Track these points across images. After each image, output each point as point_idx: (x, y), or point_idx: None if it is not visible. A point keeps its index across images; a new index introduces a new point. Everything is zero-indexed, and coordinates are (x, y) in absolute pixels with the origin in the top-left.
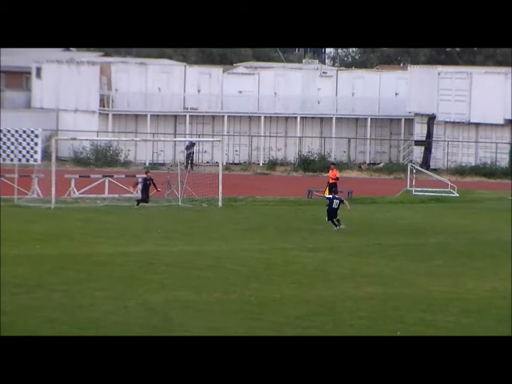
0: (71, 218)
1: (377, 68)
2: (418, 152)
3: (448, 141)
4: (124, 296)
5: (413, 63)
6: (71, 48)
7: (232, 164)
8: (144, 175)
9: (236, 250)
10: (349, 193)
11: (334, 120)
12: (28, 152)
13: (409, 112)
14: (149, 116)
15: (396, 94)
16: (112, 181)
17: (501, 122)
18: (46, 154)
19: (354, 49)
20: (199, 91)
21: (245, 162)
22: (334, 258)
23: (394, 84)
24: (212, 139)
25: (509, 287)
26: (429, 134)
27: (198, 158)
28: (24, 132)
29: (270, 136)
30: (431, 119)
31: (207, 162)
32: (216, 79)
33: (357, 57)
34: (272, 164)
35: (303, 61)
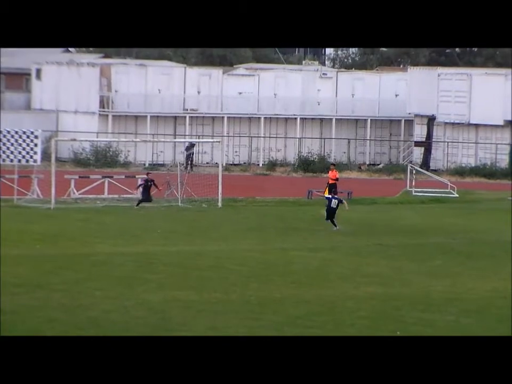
0: (71, 219)
1: (377, 69)
2: (418, 153)
3: (448, 142)
4: (123, 296)
5: (412, 65)
6: (71, 50)
7: (232, 164)
8: (145, 176)
9: (236, 250)
10: (348, 193)
11: (334, 121)
12: (27, 153)
13: (409, 113)
14: (148, 117)
15: (396, 95)
16: (112, 181)
17: (501, 123)
18: (45, 155)
19: (354, 50)
20: (199, 92)
21: (244, 163)
22: (334, 259)
23: (394, 85)
24: (212, 140)
25: (509, 287)
26: (429, 135)
27: (198, 158)
28: (24, 132)
29: (269, 137)
30: (431, 120)
31: (207, 163)
32: (216, 81)
33: (356, 58)
34: (272, 165)
35: (303, 62)
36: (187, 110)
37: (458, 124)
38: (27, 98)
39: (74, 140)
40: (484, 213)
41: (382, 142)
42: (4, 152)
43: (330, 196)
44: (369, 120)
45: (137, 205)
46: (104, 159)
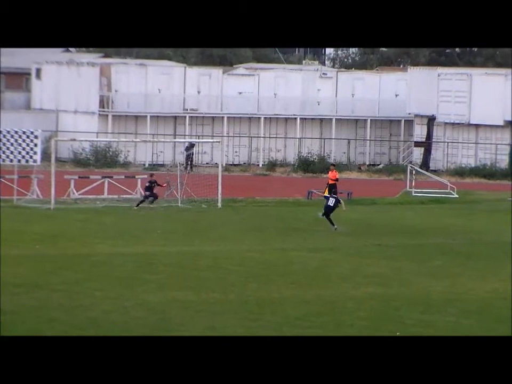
0: (71, 219)
1: (377, 69)
2: (418, 153)
3: (448, 142)
4: (123, 296)
5: (412, 65)
6: (70, 49)
7: (231, 165)
8: (144, 176)
9: (235, 250)
10: (348, 194)
11: (333, 121)
12: (27, 153)
13: (409, 114)
14: (148, 117)
15: (396, 95)
16: (112, 181)
17: (501, 123)
18: (45, 155)
19: (354, 50)
20: (199, 92)
21: (244, 163)
22: (334, 259)
23: (394, 85)
24: (212, 140)
25: (509, 288)
26: (429, 135)
27: (198, 159)
28: (24, 132)
29: (269, 137)
30: (431, 120)
31: (207, 163)
32: (216, 80)
33: (356, 58)
34: (272, 165)
35: (303, 62)
36: (187, 110)
37: (458, 124)
38: (27, 98)
39: (74, 140)
40: (484, 214)
41: (382, 142)
42: (3, 152)
43: (328, 195)
44: (369, 120)
45: (137, 205)
46: (104, 159)
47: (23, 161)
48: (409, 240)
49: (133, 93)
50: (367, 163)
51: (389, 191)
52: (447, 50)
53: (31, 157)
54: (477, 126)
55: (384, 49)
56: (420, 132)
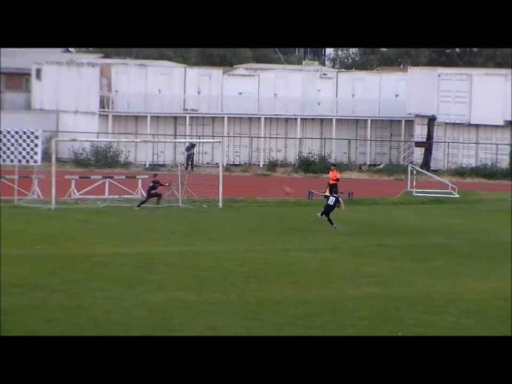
0: (71, 219)
1: (377, 70)
2: (418, 153)
3: (448, 142)
4: (124, 297)
5: (413, 65)
6: (71, 50)
7: (232, 165)
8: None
9: (236, 250)
10: (349, 194)
11: (334, 121)
12: (28, 153)
13: (410, 114)
14: (149, 117)
15: (396, 95)
16: (112, 182)
17: (501, 123)
18: (46, 156)
19: (354, 50)
20: (199, 92)
21: (245, 163)
22: (334, 259)
23: (395, 85)
24: (212, 140)
25: (509, 287)
26: (429, 135)
27: (198, 159)
28: (24, 133)
29: (270, 137)
30: (431, 120)
31: (207, 163)
32: (216, 81)
33: (357, 58)
34: (273, 165)
35: (303, 62)
36: (187, 110)
37: (458, 124)
38: (27, 98)
39: (75, 140)
40: (485, 214)
41: (382, 143)
42: (4, 152)
43: (328, 195)
44: (369, 121)
45: (138, 205)
46: (104, 159)
47: (23, 162)
48: (410, 240)
49: (133, 93)
50: (368, 163)
51: (390, 191)
52: (447, 51)
53: (31, 157)
54: (477, 126)
55: (384, 49)
56: (420, 132)
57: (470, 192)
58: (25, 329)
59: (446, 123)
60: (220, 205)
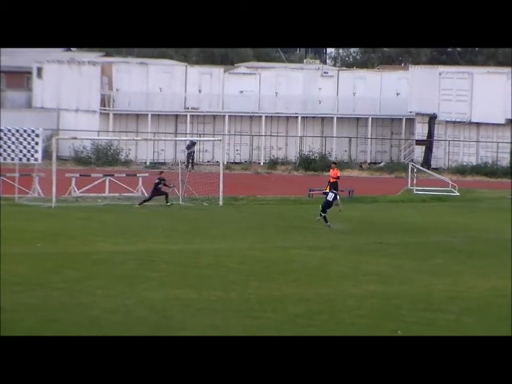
0: (72, 217)
1: (378, 68)
2: (419, 151)
3: (449, 141)
4: (124, 295)
5: (414, 63)
6: (72, 48)
7: (233, 163)
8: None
9: (236, 248)
10: (350, 192)
11: (335, 119)
12: (28, 151)
13: (410, 112)
14: (149, 116)
15: (397, 94)
16: (113, 180)
17: (502, 122)
18: (46, 154)
19: (355, 49)
20: (200, 91)
21: (245, 161)
22: (334, 257)
23: (396, 83)
24: (213, 138)
25: (509, 285)
26: (430, 134)
27: (199, 157)
28: (25, 131)
29: (271, 135)
30: (432, 118)
31: (208, 161)
32: (217, 79)
33: (358, 57)
34: (273, 163)
35: (304, 61)
36: (188, 108)
37: (459, 122)
38: (28, 96)
39: (75, 138)
40: (485, 212)
41: (383, 141)
42: (4, 150)
43: (328, 191)
44: (370, 119)
45: (139, 204)
46: (105, 157)
47: (24, 160)
48: (410, 238)
49: (134, 92)
50: (368, 161)
51: (390, 189)
52: (449, 49)
53: (32, 156)
54: (478, 124)
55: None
56: (421, 130)
57: (470, 190)
58: (25, 327)
59: (447, 121)
60: (220, 203)
